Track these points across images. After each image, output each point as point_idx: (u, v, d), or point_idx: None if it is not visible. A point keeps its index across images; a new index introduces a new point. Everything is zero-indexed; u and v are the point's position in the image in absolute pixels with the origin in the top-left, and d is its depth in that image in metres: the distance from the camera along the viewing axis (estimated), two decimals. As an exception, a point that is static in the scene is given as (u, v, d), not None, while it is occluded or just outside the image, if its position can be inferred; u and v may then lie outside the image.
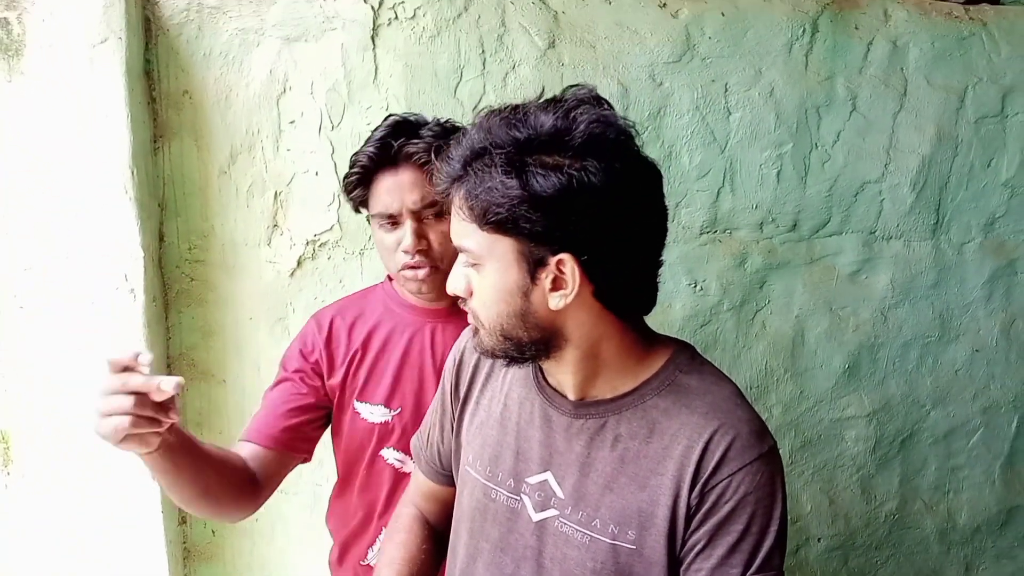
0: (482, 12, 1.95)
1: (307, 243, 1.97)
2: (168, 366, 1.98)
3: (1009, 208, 2.31)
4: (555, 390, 1.13)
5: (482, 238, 0.98)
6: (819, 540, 2.40)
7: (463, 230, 1.00)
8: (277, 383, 1.52)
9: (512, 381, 1.20)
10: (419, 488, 1.40)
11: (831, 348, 2.28)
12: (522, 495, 1.13)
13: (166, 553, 1.94)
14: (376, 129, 1.43)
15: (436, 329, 1.51)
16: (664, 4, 2.04)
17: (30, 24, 1.68)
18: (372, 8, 1.90)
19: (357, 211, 1.52)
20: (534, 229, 0.95)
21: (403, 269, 1.42)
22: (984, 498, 2.48)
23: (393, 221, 1.41)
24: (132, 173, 1.75)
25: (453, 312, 1.48)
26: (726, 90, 2.09)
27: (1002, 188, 2.29)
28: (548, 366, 1.11)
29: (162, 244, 1.93)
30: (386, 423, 1.49)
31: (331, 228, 1.97)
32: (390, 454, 1.51)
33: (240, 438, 1.47)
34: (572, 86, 1.02)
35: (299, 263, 1.97)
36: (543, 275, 0.98)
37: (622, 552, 1.04)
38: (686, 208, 2.12)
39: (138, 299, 1.80)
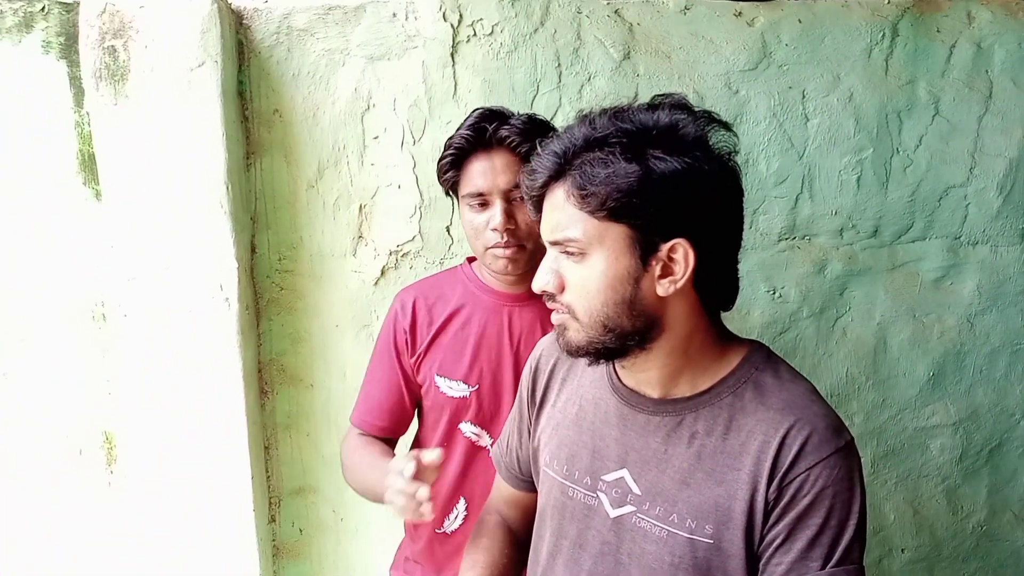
0: (558, 27, 1.99)
1: (390, 253, 2.04)
2: (259, 371, 2.07)
3: (1104, 211, 2.23)
4: (631, 390, 1.15)
5: (592, 227, 1.01)
6: (903, 551, 2.35)
7: (567, 220, 1.03)
8: (379, 365, 1.66)
9: (587, 384, 1.23)
10: (501, 495, 1.44)
11: (915, 356, 2.24)
12: (599, 492, 1.16)
13: (257, 550, 2.03)
14: (467, 117, 1.54)
15: (513, 312, 1.59)
16: (740, 13, 2.04)
17: (134, 51, 1.79)
18: (452, 26, 1.96)
19: (447, 194, 1.62)
20: (652, 214, 0.99)
21: (491, 248, 1.50)
22: (1079, 512, 2.40)
23: (483, 201, 1.49)
24: (227, 188, 1.85)
25: (530, 297, 1.54)
26: (803, 96, 2.08)
27: (1096, 191, 2.22)
28: (630, 366, 1.13)
29: (254, 255, 2.03)
30: (464, 398, 1.58)
31: (413, 239, 2.04)
32: (467, 428, 1.60)
33: (360, 428, 1.66)
34: (661, 95, 1.07)
35: (383, 272, 2.05)
36: (654, 262, 1.02)
37: (700, 546, 1.06)
38: (764, 215, 2.12)
39: (232, 307, 1.89)
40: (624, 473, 1.14)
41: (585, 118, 1.06)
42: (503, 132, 1.48)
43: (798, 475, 1.02)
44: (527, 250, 1.51)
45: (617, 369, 1.18)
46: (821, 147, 2.10)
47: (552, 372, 1.30)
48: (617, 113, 1.04)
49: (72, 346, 1.99)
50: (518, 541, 1.40)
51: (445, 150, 1.54)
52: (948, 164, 2.16)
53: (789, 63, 2.06)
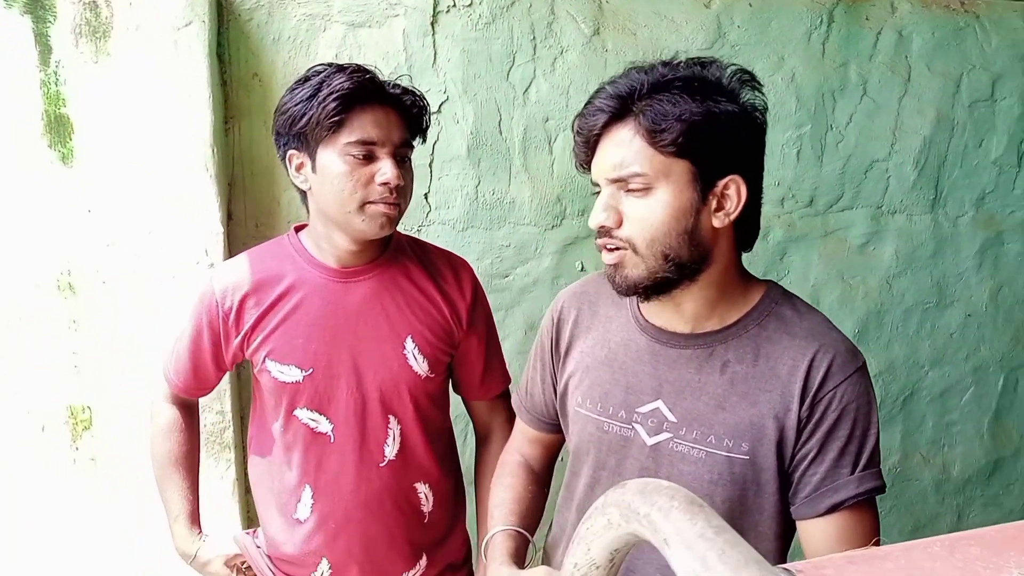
0: (533, 1, 2.07)
1: (369, 220, 2.06)
2: (235, 341, 2.04)
3: (998, 184, 2.53)
4: (660, 329, 1.25)
5: (660, 162, 1.10)
6: (831, 494, 2.58)
7: (633, 156, 1.11)
8: (190, 334, 1.54)
9: (613, 328, 1.32)
10: (523, 435, 1.52)
11: (843, 314, 2.47)
12: (634, 424, 1.25)
13: (240, 526, 2.01)
14: (324, 68, 1.40)
15: (348, 289, 1.48)
16: (698, -5, 2.19)
17: (118, 7, 1.73)
18: (432, -5, 2.00)
19: (304, 146, 1.40)
20: (714, 151, 1.10)
21: (373, 203, 1.38)
22: (975, 451, 2.70)
23: (367, 154, 1.37)
24: (212, 152, 1.82)
25: (364, 271, 1.49)
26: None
27: (992, 166, 2.51)
28: (668, 300, 1.22)
29: (230, 221, 2.00)
30: (297, 383, 1.47)
31: (394, 206, 2.06)
32: (303, 414, 1.50)
33: (178, 391, 1.62)
34: (696, 57, 1.18)
35: (362, 239, 2.06)
36: (711, 196, 1.12)
37: (736, 463, 1.17)
38: (717, 185, 2.27)
39: (223, 263, 1.85)
40: (659, 404, 1.24)
41: (639, 69, 1.16)
42: (397, 90, 1.40)
43: (827, 393, 1.15)
44: (401, 211, 1.43)
45: (643, 312, 1.28)
46: (767, 123, 2.27)
47: (576, 321, 1.37)
48: (671, 65, 1.15)
49: (35, 317, 1.90)
50: (538, 477, 1.49)
51: (329, 94, 1.34)
52: (873, 140, 2.39)
53: (740, 44, 2.22)
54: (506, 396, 1.67)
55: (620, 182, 1.14)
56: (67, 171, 1.85)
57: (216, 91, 1.88)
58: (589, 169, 1.22)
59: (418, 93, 1.44)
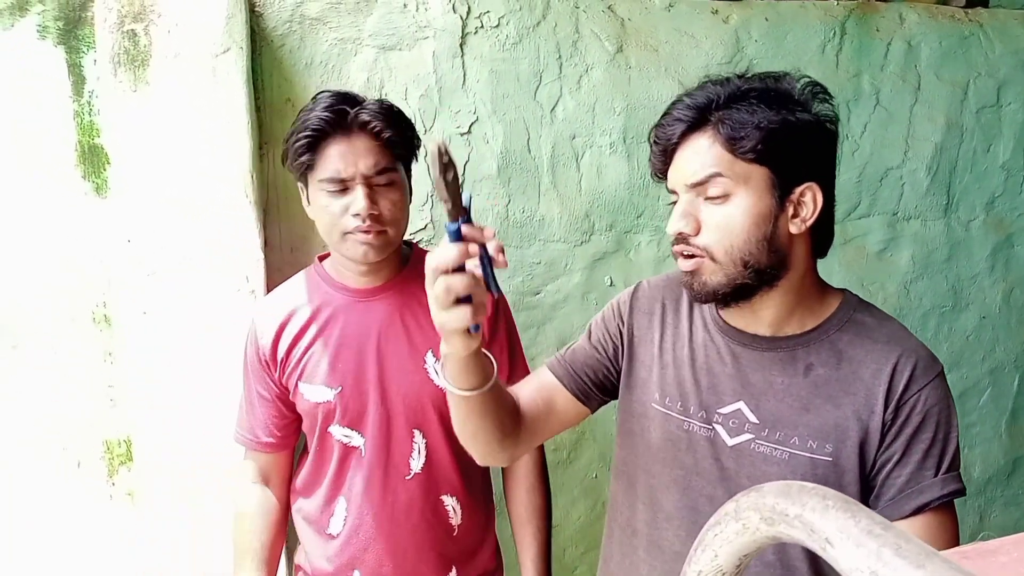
0: (558, 20, 2.09)
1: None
2: (271, 367, 2.03)
3: (1006, 188, 2.59)
4: (741, 331, 1.27)
5: (740, 168, 1.13)
6: (859, 499, 2.60)
7: (713, 163, 1.14)
8: (251, 384, 1.61)
9: (694, 329, 1.33)
10: (540, 379, 1.41)
11: (864, 321, 2.50)
12: (715, 424, 1.26)
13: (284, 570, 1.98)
14: (318, 98, 1.46)
15: (370, 307, 1.54)
16: (716, 11, 2.23)
17: (156, 36, 1.73)
18: (461, 18, 2.02)
19: (300, 179, 1.51)
20: (791, 158, 1.13)
21: (351, 233, 1.43)
22: (993, 452, 2.74)
23: (342, 187, 1.42)
24: (252, 177, 1.81)
25: (385, 289, 1.55)
26: (771, 88, 2.29)
27: (1000, 170, 2.57)
28: (747, 306, 1.23)
29: (266, 247, 1.98)
30: (329, 402, 1.53)
31: (425, 227, 2.07)
32: (337, 431, 1.55)
33: (257, 448, 1.63)
34: (766, 72, 1.21)
35: (397, 261, 2.06)
36: (788, 203, 1.15)
37: (819, 464, 1.18)
38: (740, 197, 2.30)
39: (259, 300, 1.85)
40: (740, 405, 1.25)
41: (715, 81, 1.19)
42: (364, 115, 1.42)
43: (911, 396, 1.17)
44: (388, 236, 1.46)
45: (722, 315, 1.30)
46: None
47: (652, 314, 1.37)
48: (745, 78, 1.20)
49: (69, 351, 1.88)
50: (516, 409, 1.35)
51: (298, 132, 1.44)
52: (887, 148, 2.43)
53: (758, 57, 2.26)
54: None
55: (699, 187, 1.16)
56: (101, 202, 1.84)
57: (252, 117, 1.88)
58: (664, 178, 1.24)
59: (389, 115, 1.44)
